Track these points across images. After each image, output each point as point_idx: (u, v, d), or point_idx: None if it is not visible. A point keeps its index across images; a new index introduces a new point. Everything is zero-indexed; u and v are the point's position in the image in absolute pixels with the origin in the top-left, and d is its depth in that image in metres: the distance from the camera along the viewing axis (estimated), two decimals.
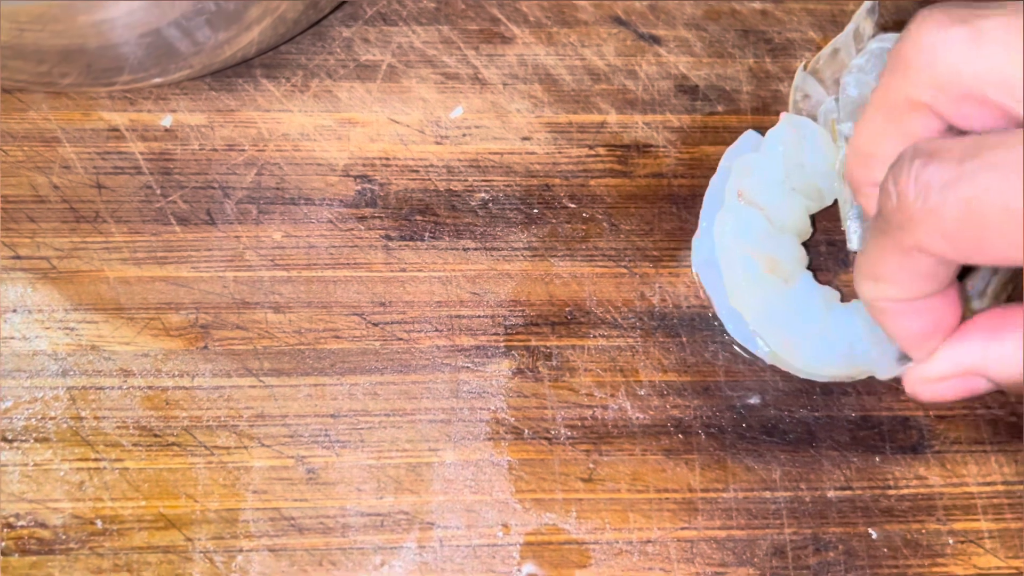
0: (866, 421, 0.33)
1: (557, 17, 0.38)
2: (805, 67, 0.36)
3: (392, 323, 0.33)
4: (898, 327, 0.26)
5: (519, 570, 0.31)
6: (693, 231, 0.35)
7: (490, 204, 0.35)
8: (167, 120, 0.35)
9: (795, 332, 0.32)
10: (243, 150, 0.35)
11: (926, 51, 0.24)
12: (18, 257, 0.33)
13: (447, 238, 0.35)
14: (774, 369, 0.33)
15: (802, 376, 0.33)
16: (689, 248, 0.35)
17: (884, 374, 0.32)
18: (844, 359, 0.32)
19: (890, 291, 0.25)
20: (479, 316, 0.34)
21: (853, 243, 0.33)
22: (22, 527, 0.30)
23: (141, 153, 0.35)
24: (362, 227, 0.35)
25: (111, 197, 0.34)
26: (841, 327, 0.32)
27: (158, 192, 0.34)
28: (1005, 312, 0.26)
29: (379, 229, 0.35)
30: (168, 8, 0.30)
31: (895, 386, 0.34)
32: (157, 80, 0.34)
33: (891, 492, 0.32)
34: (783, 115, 0.34)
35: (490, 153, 0.36)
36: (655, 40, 0.38)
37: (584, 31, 0.38)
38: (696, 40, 0.38)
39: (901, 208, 0.23)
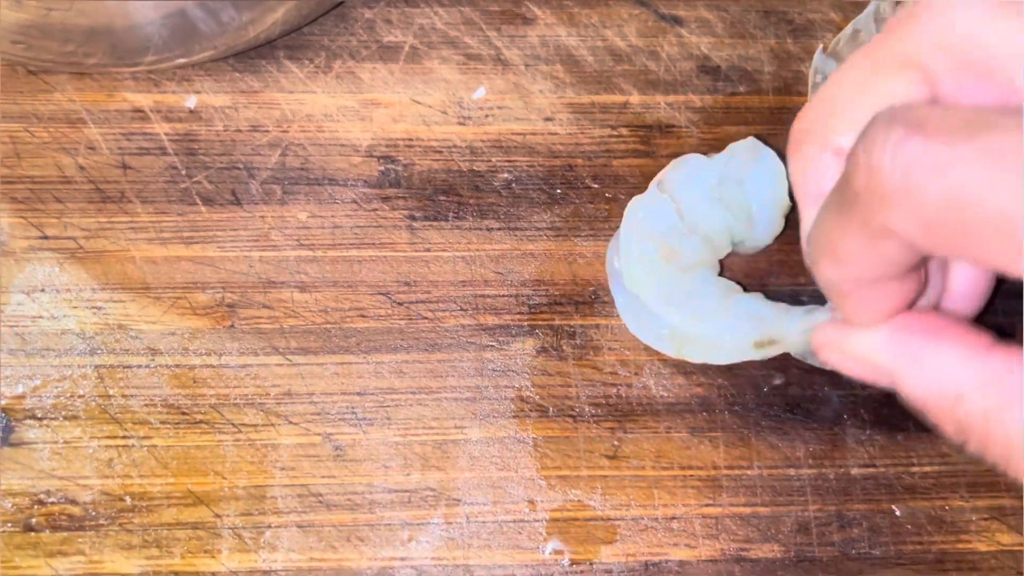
0: (889, 399, 0.33)
1: None
2: (824, 49, 0.36)
3: (417, 302, 0.34)
4: (857, 309, 0.24)
5: (545, 546, 0.31)
6: None
7: (513, 184, 0.35)
8: (191, 101, 0.36)
9: (695, 310, 0.31)
10: (267, 131, 0.35)
11: (941, 9, 0.22)
12: (45, 237, 0.33)
13: (471, 218, 0.35)
14: None
15: (706, 361, 0.32)
16: None
17: (795, 345, 0.31)
18: (749, 330, 0.31)
19: (850, 272, 0.22)
20: (503, 295, 0.34)
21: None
22: (52, 503, 0.30)
23: (166, 134, 0.35)
24: (386, 207, 0.35)
25: (136, 178, 0.34)
26: (744, 306, 0.31)
27: (183, 172, 0.35)
28: (944, 326, 0.23)
29: (403, 209, 0.35)
30: None
31: None
32: (181, 61, 0.34)
33: (915, 469, 0.32)
34: (750, 138, 0.34)
35: (513, 134, 0.36)
36: (676, 21, 0.38)
37: (605, 12, 0.38)
38: (717, 20, 0.38)
39: (872, 183, 0.19)
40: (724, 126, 0.37)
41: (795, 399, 0.33)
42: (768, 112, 0.37)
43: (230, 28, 0.33)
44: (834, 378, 0.33)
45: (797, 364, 0.33)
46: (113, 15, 0.31)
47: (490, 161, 0.36)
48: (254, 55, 0.36)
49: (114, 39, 0.32)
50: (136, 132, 0.35)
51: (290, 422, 0.32)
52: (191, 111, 0.35)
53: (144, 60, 0.34)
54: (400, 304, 0.33)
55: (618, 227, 0.35)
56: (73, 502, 0.31)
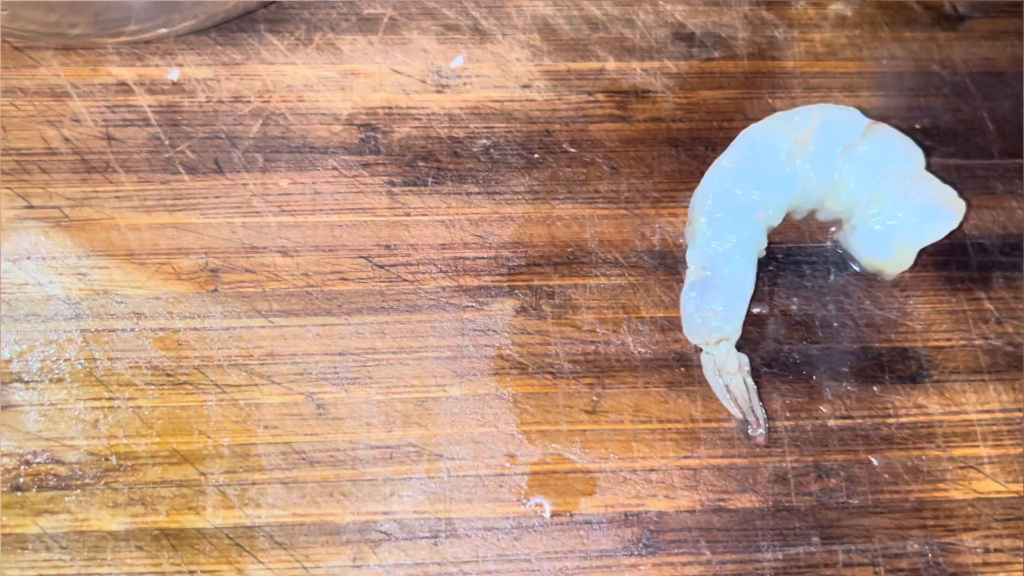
0: (865, 352, 0.34)
1: None
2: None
3: (397, 265, 0.34)
4: None
5: (526, 499, 0.31)
6: (691, 172, 0.36)
7: (491, 150, 0.36)
8: (174, 74, 0.36)
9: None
10: (249, 101, 0.36)
11: None
12: (31, 207, 0.34)
13: (450, 183, 0.35)
14: (772, 304, 0.34)
15: None
16: (688, 189, 0.35)
17: None
18: None
19: None
20: (483, 258, 0.34)
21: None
22: (39, 464, 0.31)
23: (149, 106, 0.36)
24: (366, 173, 0.35)
25: (121, 148, 0.35)
26: None
27: (166, 143, 0.35)
28: None
29: (383, 175, 0.35)
30: None
31: (894, 318, 0.34)
32: (163, 31, 0.35)
33: (891, 421, 0.33)
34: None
35: (491, 101, 0.37)
36: None
37: None
38: None
39: None
40: (699, 91, 0.37)
41: (771, 353, 0.33)
42: (742, 77, 0.38)
43: None
44: (810, 332, 0.34)
45: (773, 319, 0.34)
46: None
47: (468, 128, 0.36)
48: (235, 28, 0.37)
49: (96, 8, 0.32)
50: (120, 104, 0.36)
51: (273, 382, 0.32)
52: (174, 83, 0.36)
53: (126, 30, 0.34)
54: (381, 267, 0.34)
55: (595, 190, 0.35)
56: (59, 462, 0.31)
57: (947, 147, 0.37)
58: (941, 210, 0.33)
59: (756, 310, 0.34)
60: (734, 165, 0.34)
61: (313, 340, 0.33)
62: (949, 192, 0.33)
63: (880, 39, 0.39)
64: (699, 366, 0.33)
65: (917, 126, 0.37)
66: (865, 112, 0.33)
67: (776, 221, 0.34)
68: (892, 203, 0.33)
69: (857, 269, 0.35)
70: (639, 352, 0.33)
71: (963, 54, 0.39)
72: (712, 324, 0.32)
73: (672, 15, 0.38)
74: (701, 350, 0.33)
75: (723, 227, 0.33)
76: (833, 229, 0.35)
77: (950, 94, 0.38)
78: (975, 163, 0.37)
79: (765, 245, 0.34)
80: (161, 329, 0.33)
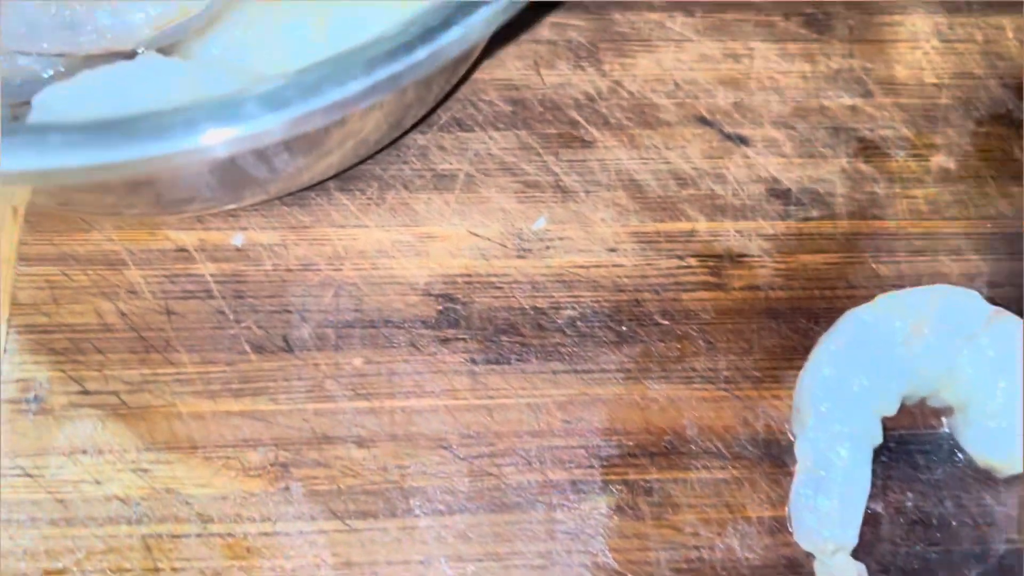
0: (985, 554, 0.31)
1: (638, 118, 0.37)
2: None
3: (480, 456, 0.31)
4: None
5: None
6: (793, 348, 0.33)
7: (578, 322, 0.34)
8: (238, 239, 0.34)
9: None
10: (319, 269, 0.34)
11: None
12: (86, 392, 0.31)
13: (535, 360, 0.33)
14: (886, 500, 0.31)
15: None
16: (791, 368, 0.33)
17: None
18: None
19: None
20: (572, 447, 0.32)
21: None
22: None
23: (212, 275, 0.33)
24: (445, 350, 0.33)
25: (181, 324, 0.33)
26: None
27: (231, 317, 0.33)
28: None
29: (463, 352, 0.33)
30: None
31: (1015, 515, 0.31)
32: (230, 206, 0.32)
33: None
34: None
35: (575, 267, 0.34)
36: (742, 140, 0.37)
37: (667, 132, 0.36)
38: (785, 139, 0.37)
39: None
40: (798, 254, 0.35)
41: (887, 557, 0.31)
42: (843, 239, 0.35)
43: (283, 174, 0.31)
44: (928, 533, 0.31)
45: (889, 519, 0.31)
46: (157, 168, 0.29)
47: (552, 297, 0.34)
48: (304, 189, 0.34)
49: (158, 190, 0.30)
50: (180, 274, 0.33)
51: None
52: (238, 249, 0.34)
53: (190, 208, 0.32)
54: (462, 459, 0.31)
55: (691, 368, 0.33)
56: None
57: None
58: None
59: (868, 508, 0.31)
60: (843, 350, 0.31)
61: (392, 545, 0.30)
62: None
63: (986, 195, 0.36)
64: (812, 573, 0.30)
65: None
66: (974, 281, 0.31)
67: (891, 411, 0.31)
68: (1010, 401, 0.31)
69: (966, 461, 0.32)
70: (746, 558, 0.31)
71: None
72: (826, 532, 0.30)
73: (765, 168, 0.36)
74: (812, 556, 0.30)
75: (833, 419, 0.31)
76: (945, 417, 0.33)
77: None
78: None
79: (881, 438, 0.31)
80: (230, 535, 0.30)
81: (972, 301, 0.31)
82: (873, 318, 0.32)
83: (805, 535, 0.30)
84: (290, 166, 0.31)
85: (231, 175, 0.30)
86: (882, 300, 0.32)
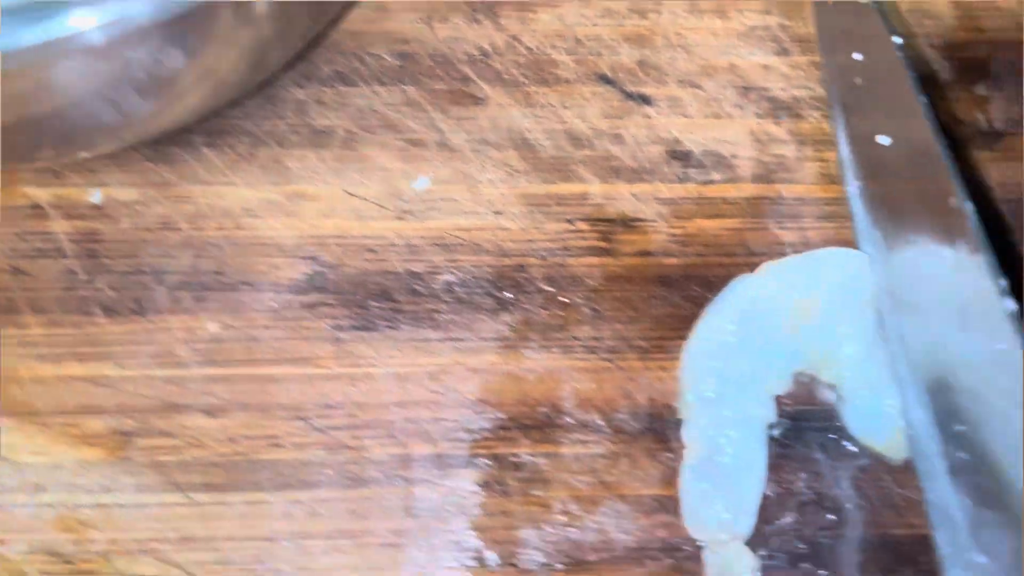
0: (884, 541, 0.29)
1: (535, 75, 0.34)
2: None
3: (339, 428, 0.29)
4: None
5: None
6: (684, 316, 0.31)
7: (456, 288, 0.31)
8: (96, 195, 0.32)
9: None
10: (179, 229, 0.32)
11: None
12: None
13: (406, 327, 0.31)
14: (778, 481, 0.29)
15: None
16: (680, 337, 0.30)
17: None
18: None
19: None
20: (440, 419, 0.30)
21: None
22: None
23: (66, 233, 0.31)
24: (310, 316, 0.31)
25: (30, 284, 0.31)
26: None
27: (83, 278, 0.31)
28: None
29: (328, 318, 0.31)
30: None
31: (917, 499, 0.29)
32: (83, 155, 0.31)
33: None
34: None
35: (458, 229, 0.32)
36: (644, 99, 0.34)
37: (565, 90, 0.34)
38: (691, 99, 0.34)
39: None
40: (696, 219, 0.33)
41: (777, 544, 0.29)
42: (746, 203, 0.33)
43: (135, 118, 0.29)
44: (820, 516, 0.29)
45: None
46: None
47: (431, 261, 0.32)
48: (168, 142, 0.32)
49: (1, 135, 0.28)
50: (32, 231, 0.31)
51: (187, 572, 0.27)
52: (95, 206, 0.32)
53: (40, 156, 0.30)
54: (319, 430, 0.29)
55: (573, 337, 0.31)
56: None
57: None
58: None
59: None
60: (726, 327, 0.29)
61: (237, 521, 0.28)
62: None
63: None
64: (690, 558, 0.28)
65: None
66: None
67: (782, 389, 0.29)
68: (877, 370, 0.28)
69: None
70: (620, 539, 0.28)
71: (999, 177, 0.34)
72: (720, 520, 0.28)
73: (667, 129, 0.34)
74: (698, 544, 0.28)
75: (722, 404, 0.28)
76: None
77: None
78: None
79: (774, 417, 0.29)
80: (62, 505, 0.28)
81: (866, 264, 0.29)
82: (759, 289, 0.29)
83: (697, 524, 0.28)
84: (142, 109, 0.29)
85: (79, 119, 0.28)
86: (770, 268, 0.29)
